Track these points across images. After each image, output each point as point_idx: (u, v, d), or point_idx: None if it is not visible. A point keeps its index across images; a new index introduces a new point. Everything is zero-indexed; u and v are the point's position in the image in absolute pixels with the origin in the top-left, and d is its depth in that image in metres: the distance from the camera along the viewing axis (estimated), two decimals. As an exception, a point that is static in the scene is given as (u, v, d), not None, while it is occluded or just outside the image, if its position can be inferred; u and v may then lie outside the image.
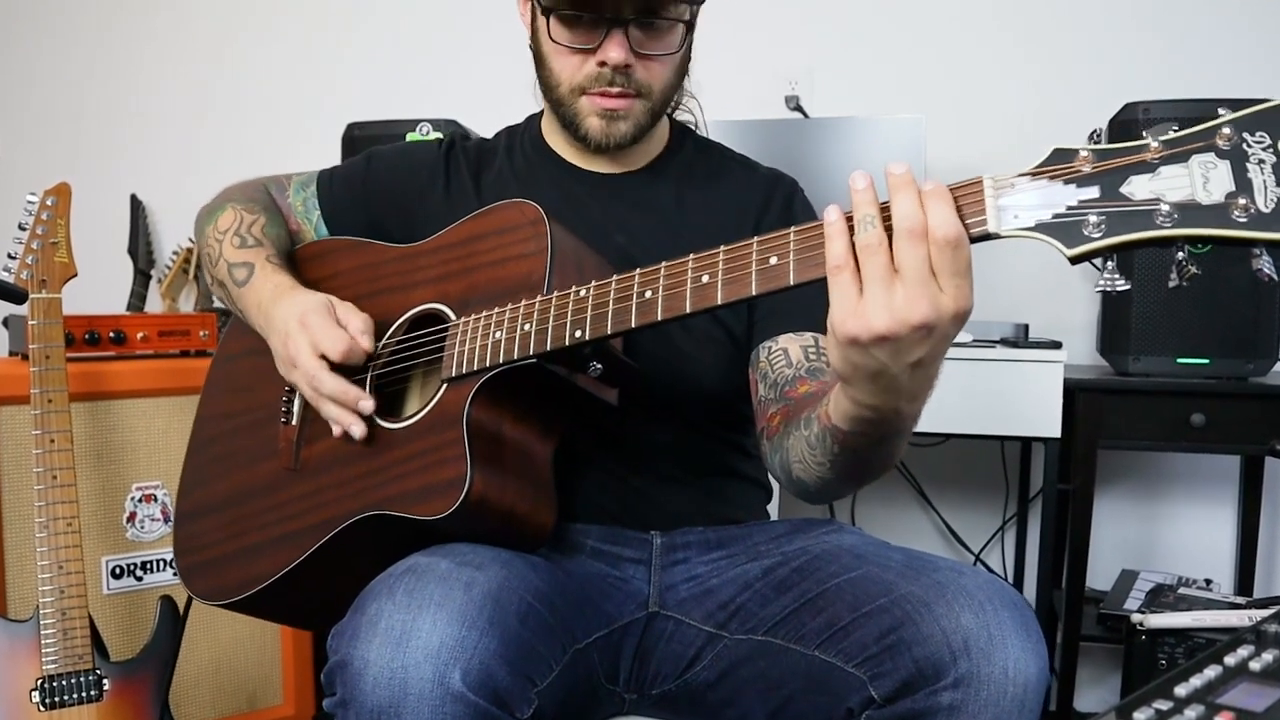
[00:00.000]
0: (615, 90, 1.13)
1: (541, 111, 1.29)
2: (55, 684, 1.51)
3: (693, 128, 1.33)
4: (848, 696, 0.91)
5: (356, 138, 2.13)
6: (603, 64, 1.12)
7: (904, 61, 2.43)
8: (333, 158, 2.08)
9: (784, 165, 1.30)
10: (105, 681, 1.54)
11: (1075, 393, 1.95)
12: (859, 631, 0.92)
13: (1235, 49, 2.25)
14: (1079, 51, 2.34)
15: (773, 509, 1.31)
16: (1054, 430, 1.91)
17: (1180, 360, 1.94)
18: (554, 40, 1.13)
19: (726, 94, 2.31)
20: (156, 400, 1.81)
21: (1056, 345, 1.94)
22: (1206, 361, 1.93)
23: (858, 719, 0.90)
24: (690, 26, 1.16)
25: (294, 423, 1.16)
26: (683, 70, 1.20)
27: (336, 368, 1.07)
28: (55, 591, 1.51)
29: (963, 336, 1.98)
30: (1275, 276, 0.68)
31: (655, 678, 1.12)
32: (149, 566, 1.81)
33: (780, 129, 2.13)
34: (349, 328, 1.09)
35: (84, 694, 1.53)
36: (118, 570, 1.78)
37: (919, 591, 0.90)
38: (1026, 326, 2.04)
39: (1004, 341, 2.01)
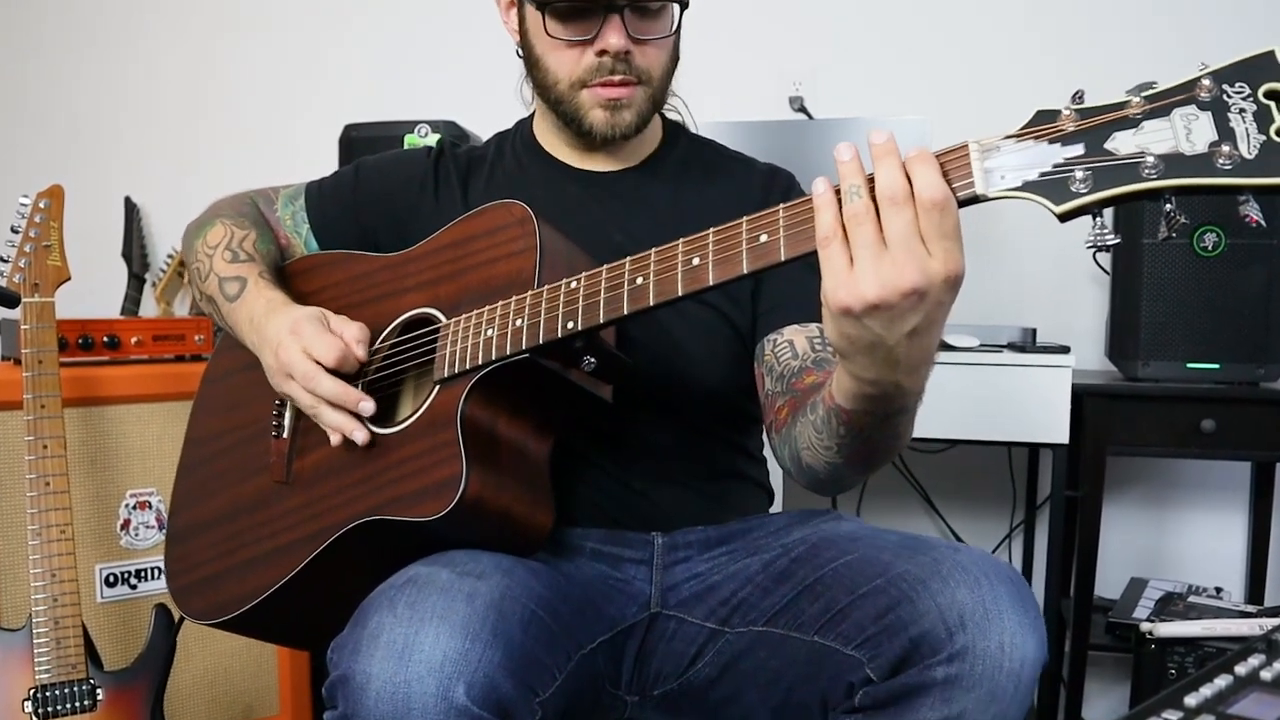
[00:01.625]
0: (617, 79, 1.13)
1: (530, 115, 1.29)
2: (48, 694, 1.49)
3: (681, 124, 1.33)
4: (846, 677, 0.91)
5: (354, 139, 2.11)
6: (602, 53, 1.12)
7: (909, 62, 2.42)
8: (330, 159, 2.06)
9: (788, 166, 1.29)
10: (99, 691, 1.53)
11: (1083, 398, 1.94)
12: (857, 613, 0.91)
13: (1248, 51, 2.23)
14: (1086, 52, 2.32)
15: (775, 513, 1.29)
16: (1062, 436, 1.90)
17: (1190, 365, 1.92)
18: (550, 35, 1.13)
19: (730, 95, 2.31)
20: (151, 405, 1.80)
21: (1065, 350, 1.93)
22: (1217, 366, 1.91)
23: (856, 695, 0.90)
24: (684, 6, 1.16)
25: (285, 435, 1.15)
26: (676, 55, 1.20)
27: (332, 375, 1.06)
28: (48, 600, 1.50)
29: (969, 340, 1.97)
30: (1263, 221, 0.70)
31: (657, 678, 1.12)
32: (143, 575, 1.79)
33: (784, 130, 2.13)
34: (344, 335, 1.08)
35: (77, 704, 1.51)
36: (111, 578, 1.76)
37: (915, 570, 0.89)
38: (1034, 331, 2.04)
39: (1011, 346, 2.00)
